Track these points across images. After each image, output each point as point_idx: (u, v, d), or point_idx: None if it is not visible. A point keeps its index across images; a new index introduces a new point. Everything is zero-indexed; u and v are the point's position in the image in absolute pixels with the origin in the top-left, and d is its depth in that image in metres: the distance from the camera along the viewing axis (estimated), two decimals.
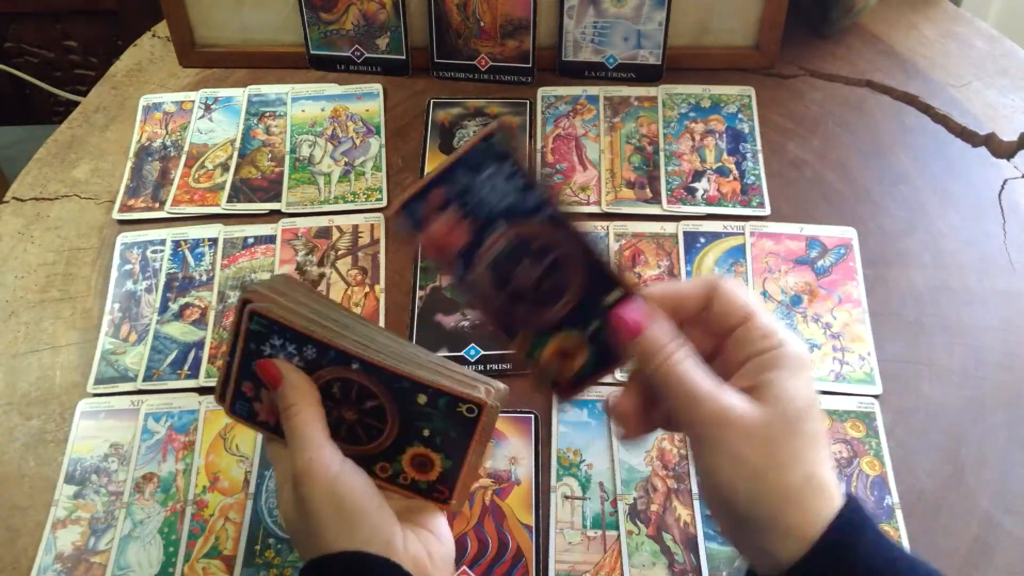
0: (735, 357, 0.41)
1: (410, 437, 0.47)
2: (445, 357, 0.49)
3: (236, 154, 0.81)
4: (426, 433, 0.47)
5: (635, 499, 0.61)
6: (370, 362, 0.46)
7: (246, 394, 0.49)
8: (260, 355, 0.47)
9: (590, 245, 0.43)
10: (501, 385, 0.48)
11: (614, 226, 0.75)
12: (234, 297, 0.72)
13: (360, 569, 0.42)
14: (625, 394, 0.43)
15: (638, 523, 0.60)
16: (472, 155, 0.44)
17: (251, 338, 0.47)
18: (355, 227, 0.76)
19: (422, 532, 0.47)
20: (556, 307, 0.44)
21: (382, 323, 0.70)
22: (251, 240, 0.75)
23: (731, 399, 0.39)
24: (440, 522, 0.49)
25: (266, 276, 0.73)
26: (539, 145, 0.81)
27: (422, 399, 0.46)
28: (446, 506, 0.49)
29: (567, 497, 0.61)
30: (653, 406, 0.43)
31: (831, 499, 0.38)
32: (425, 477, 0.48)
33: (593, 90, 0.84)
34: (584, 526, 0.60)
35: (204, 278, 0.73)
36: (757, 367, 0.39)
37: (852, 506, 0.38)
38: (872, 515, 0.41)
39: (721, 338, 0.42)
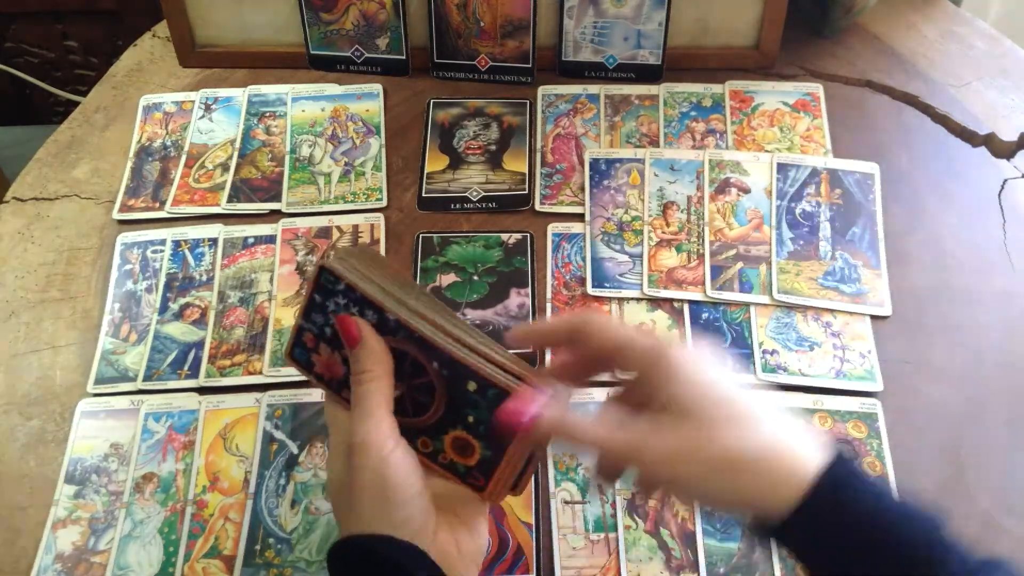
0: (643, 388, 0.44)
1: (454, 420, 0.47)
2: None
3: (236, 154, 0.81)
4: (470, 419, 0.47)
5: (633, 494, 0.61)
6: (429, 340, 0.45)
7: (307, 344, 0.50)
8: (324, 310, 0.48)
9: (440, 348, 0.45)
10: (564, 389, 0.46)
11: None
12: (234, 297, 0.72)
13: (387, 551, 0.43)
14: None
15: (636, 518, 0.60)
16: (315, 297, 0.48)
17: (318, 289, 0.48)
18: (355, 227, 0.76)
19: (456, 523, 0.47)
20: (429, 415, 0.47)
21: None
22: (251, 240, 0.75)
23: (644, 436, 0.42)
24: (478, 516, 0.49)
25: (266, 275, 0.73)
26: (539, 144, 0.81)
27: (472, 386, 0.46)
28: (480, 494, 0.49)
29: (567, 502, 0.61)
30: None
31: (794, 460, 0.40)
32: (464, 461, 0.48)
33: (593, 89, 0.84)
34: (587, 529, 0.60)
35: (204, 278, 0.73)
36: (656, 388, 0.43)
37: (835, 462, 0.40)
38: (853, 468, 0.42)
39: (607, 364, 0.46)
